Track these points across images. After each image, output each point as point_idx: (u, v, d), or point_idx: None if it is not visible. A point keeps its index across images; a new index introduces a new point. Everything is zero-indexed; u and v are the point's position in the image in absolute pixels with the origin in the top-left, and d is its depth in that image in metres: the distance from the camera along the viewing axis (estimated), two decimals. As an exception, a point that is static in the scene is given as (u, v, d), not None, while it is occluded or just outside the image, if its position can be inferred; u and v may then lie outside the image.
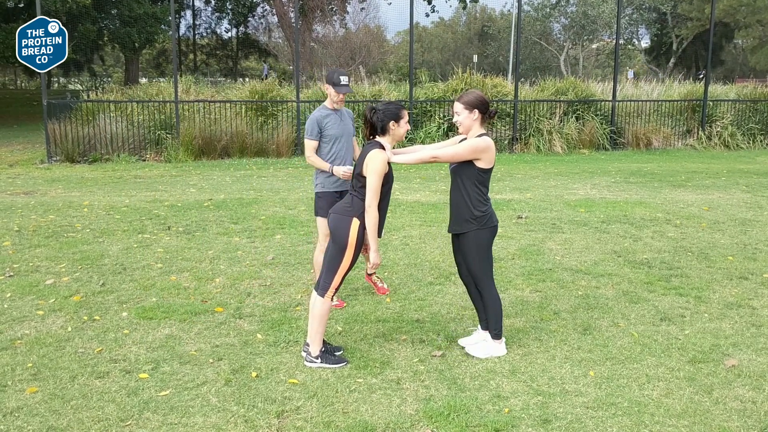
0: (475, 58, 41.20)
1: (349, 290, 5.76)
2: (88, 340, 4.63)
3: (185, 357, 4.36)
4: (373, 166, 4.05)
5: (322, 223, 5.24)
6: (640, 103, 16.74)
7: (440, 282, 5.97)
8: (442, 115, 15.28)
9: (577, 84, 16.77)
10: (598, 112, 16.20)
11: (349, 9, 39.71)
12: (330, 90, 5.23)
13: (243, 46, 51.08)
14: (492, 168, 4.32)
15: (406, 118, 4.24)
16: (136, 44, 28.77)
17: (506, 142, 15.65)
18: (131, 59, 34.71)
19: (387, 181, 4.16)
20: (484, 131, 4.32)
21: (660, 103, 16.90)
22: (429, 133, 14.98)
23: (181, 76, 20.62)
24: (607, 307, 5.35)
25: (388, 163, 4.15)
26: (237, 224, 8.21)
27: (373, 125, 4.18)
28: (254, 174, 12.61)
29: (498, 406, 3.75)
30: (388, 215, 6.71)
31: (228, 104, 14.90)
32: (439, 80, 16.24)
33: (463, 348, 4.52)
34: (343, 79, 5.18)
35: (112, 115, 14.52)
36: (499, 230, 7.83)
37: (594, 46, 48.60)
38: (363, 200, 4.12)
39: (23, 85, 59.09)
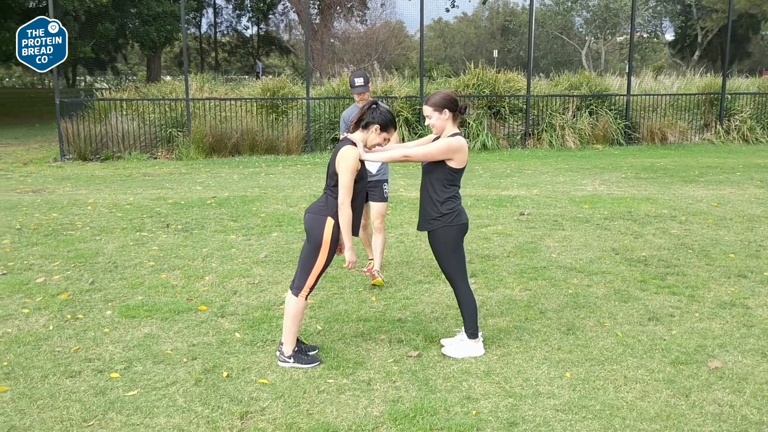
0: (496, 53, 40.76)
1: (336, 288, 5.72)
2: (67, 338, 4.65)
3: (160, 356, 4.35)
4: (345, 164, 4.00)
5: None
6: (656, 96, 16.45)
7: (429, 281, 5.90)
8: (453, 111, 15.13)
9: (591, 78, 16.53)
10: (613, 107, 15.96)
11: (369, 5, 39.67)
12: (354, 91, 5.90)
13: (263, 44, 51.28)
14: (464, 168, 4.25)
15: (390, 135, 4.20)
16: (156, 43, 28.95)
17: (518, 137, 15.49)
18: (152, 57, 35.00)
19: (360, 178, 4.11)
20: (457, 130, 4.25)
21: (677, 96, 16.60)
22: (440, 129, 14.85)
23: (197, 73, 20.74)
24: (595, 306, 5.24)
25: (361, 161, 4.09)
26: (236, 222, 8.21)
27: (362, 118, 4.13)
28: (262, 171, 12.62)
29: (466, 408, 3.68)
30: (388, 212, 6.63)
31: (239, 102, 14.94)
32: (461, 74, 16.10)
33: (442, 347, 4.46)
34: (358, 81, 5.85)
35: (124, 113, 14.63)
36: (499, 227, 7.77)
37: (619, 39, 47.98)
38: (336, 199, 4.07)
39: (50, 84, 60.09)
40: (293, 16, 44.94)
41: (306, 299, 4.18)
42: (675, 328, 4.77)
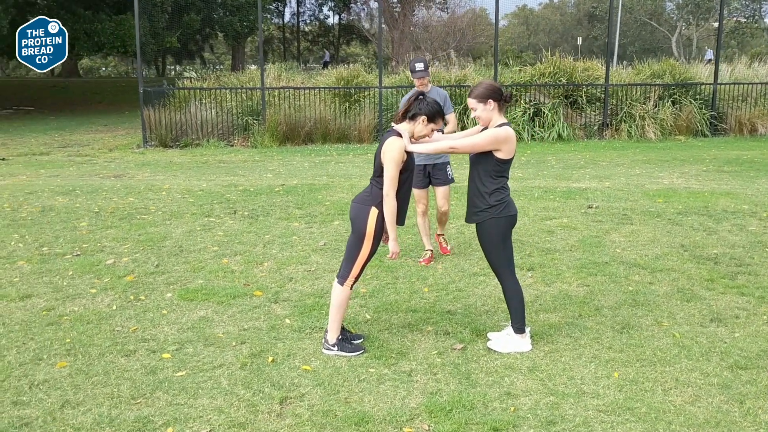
0: (579, 40, 39.77)
1: (390, 278, 5.73)
2: (127, 318, 4.85)
3: (211, 339, 4.48)
4: (390, 155, 3.99)
5: (414, 193, 5.84)
6: (746, 85, 15.61)
7: (485, 273, 5.82)
8: (528, 100, 14.86)
9: (675, 66, 15.84)
10: (698, 96, 15.26)
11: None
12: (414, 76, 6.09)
13: (345, 33, 51.69)
14: (512, 158, 4.16)
15: (438, 125, 4.15)
16: (239, 33, 29.66)
17: (595, 127, 15.04)
18: (236, 47, 35.90)
19: (406, 168, 4.09)
20: (504, 120, 4.16)
21: (769, 86, 15.71)
22: (514, 118, 14.62)
23: (277, 62, 21.12)
24: (655, 304, 5.05)
25: (407, 152, 4.07)
26: (301, 209, 8.34)
27: (409, 109, 4.11)
28: (333, 160, 12.76)
29: (506, 404, 3.62)
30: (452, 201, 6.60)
31: (313, 90, 15.13)
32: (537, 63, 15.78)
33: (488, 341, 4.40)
34: (418, 66, 6.00)
35: (203, 101, 15.07)
36: (564, 220, 7.60)
37: (714, 24, 45.78)
38: (381, 189, 4.07)
39: (144, 73, 62.64)
40: (374, 4, 45.18)
41: (351, 288, 4.21)
42: (738, 331, 4.54)
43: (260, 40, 15.47)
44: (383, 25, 39.33)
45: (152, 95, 14.90)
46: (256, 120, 14.75)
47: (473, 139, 4.11)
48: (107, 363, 4.13)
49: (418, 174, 5.96)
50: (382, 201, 4.07)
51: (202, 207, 8.49)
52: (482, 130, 4.23)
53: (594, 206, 8.32)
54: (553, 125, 14.64)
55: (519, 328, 4.28)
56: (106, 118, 22.05)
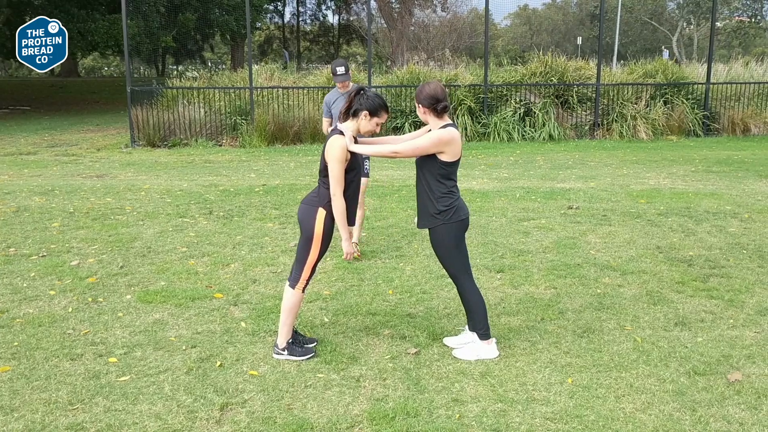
0: (579, 40, 39.59)
1: (355, 280, 5.63)
2: (81, 321, 4.76)
3: (162, 343, 4.39)
4: (332, 154, 3.90)
5: None
6: (740, 85, 15.47)
7: (453, 275, 5.71)
8: (518, 99, 14.75)
9: (667, 66, 15.70)
10: (690, 96, 15.12)
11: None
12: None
13: (344, 33, 51.61)
14: (458, 161, 4.05)
15: (382, 119, 4.04)
16: (236, 32, 29.58)
17: (587, 127, 14.92)
18: (235, 47, 35.84)
19: (352, 167, 3.99)
20: (449, 121, 4.05)
21: (763, 85, 15.56)
22: (504, 118, 14.52)
23: (270, 62, 21.03)
24: (621, 307, 4.94)
25: (353, 152, 3.97)
26: (278, 209, 8.25)
27: (351, 105, 4.02)
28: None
29: (451, 411, 3.52)
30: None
31: (302, 90, 15.04)
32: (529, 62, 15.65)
33: (445, 346, 4.30)
34: (339, 69, 6.18)
35: (194, 101, 14.98)
36: (542, 221, 7.49)
37: (719, 24, 45.56)
38: (328, 189, 3.98)
39: (146, 72, 62.54)
40: (373, 4, 45.07)
41: (303, 292, 4.11)
42: (702, 335, 4.43)
43: (249, 39, 15.38)
44: (383, 24, 39.31)
45: (140, 95, 14.81)
46: (244, 120, 14.67)
47: (416, 143, 4.00)
48: (51, 367, 4.04)
49: None
50: (329, 201, 3.97)
51: (178, 207, 8.40)
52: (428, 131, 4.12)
53: (575, 207, 8.21)
54: (543, 125, 14.53)
55: (483, 334, 4.16)
56: (100, 117, 21.99)
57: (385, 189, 9.51)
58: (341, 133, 3.95)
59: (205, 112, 14.79)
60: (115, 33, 21.36)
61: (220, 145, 14.47)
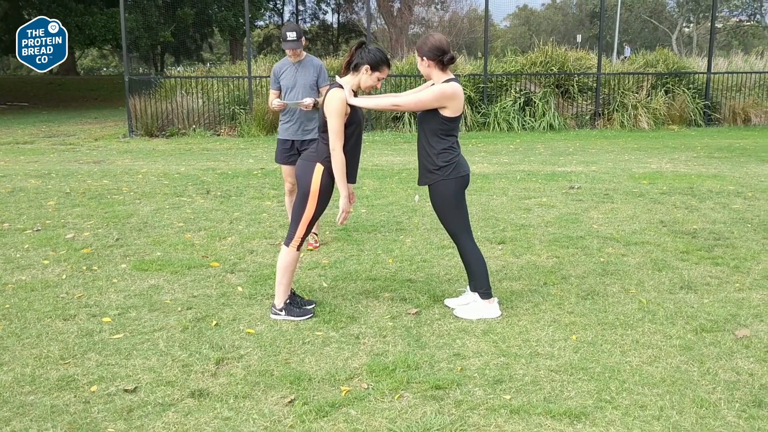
0: (579, 38, 39.48)
1: (354, 250, 5.54)
2: (74, 287, 4.67)
3: (157, 305, 4.30)
4: (331, 107, 3.81)
5: (282, 170, 5.72)
6: (741, 75, 15.40)
7: (453, 246, 5.61)
8: (518, 89, 14.66)
9: (668, 56, 15.63)
10: (691, 86, 15.04)
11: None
12: (285, 45, 5.47)
13: (343, 31, 51.60)
14: (459, 117, 3.96)
15: (383, 74, 3.95)
16: (235, 28, 29.51)
17: (587, 117, 14.83)
18: (233, 43, 35.78)
19: (352, 122, 3.90)
20: (450, 76, 3.96)
21: (764, 75, 15.49)
22: (504, 107, 14.43)
23: (270, 56, 20.94)
24: (625, 273, 4.85)
25: (352, 105, 3.88)
26: (276, 189, 8.16)
27: (352, 60, 3.93)
28: (318, 147, 12.56)
29: (453, 364, 3.43)
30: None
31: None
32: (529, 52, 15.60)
33: (447, 307, 4.21)
34: (290, 35, 5.38)
35: (192, 91, 14.90)
36: (543, 200, 7.40)
37: (719, 25, 45.50)
38: (327, 145, 3.89)
39: (144, 72, 62.49)
40: (373, 3, 45.06)
41: (298, 250, 4.02)
42: (708, 297, 4.34)
43: (247, 28, 15.30)
44: (382, 24, 39.32)
45: (138, 84, 14.73)
46: (243, 109, 14.58)
47: (418, 96, 3.92)
48: (43, 326, 3.95)
49: (284, 149, 5.58)
50: (327, 157, 3.88)
51: (175, 188, 8.31)
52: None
53: (576, 187, 8.12)
54: (543, 115, 14.44)
55: (485, 293, 4.07)
56: (98, 112, 21.89)
57: (385, 172, 9.43)
58: (340, 86, 3.86)
59: (203, 102, 14.71)
60: (113, 27, 21.28)
61: (218, 135, 14.38)
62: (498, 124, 14.33)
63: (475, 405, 3.02)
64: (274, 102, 5.50)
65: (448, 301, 4.29)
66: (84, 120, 19.09)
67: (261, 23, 40.17)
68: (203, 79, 15.29)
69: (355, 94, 3.96)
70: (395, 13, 34.48)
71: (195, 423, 2.90)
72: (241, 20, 29.10)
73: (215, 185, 8.48)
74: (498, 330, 3.86)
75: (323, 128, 3.91)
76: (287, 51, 5.47)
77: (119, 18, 20.53)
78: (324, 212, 4.11)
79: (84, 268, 5.11)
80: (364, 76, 3.90)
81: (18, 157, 11.45)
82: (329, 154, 3.87)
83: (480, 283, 4.09)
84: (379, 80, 3.94)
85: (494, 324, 3.95)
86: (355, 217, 6.70)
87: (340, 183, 3.91)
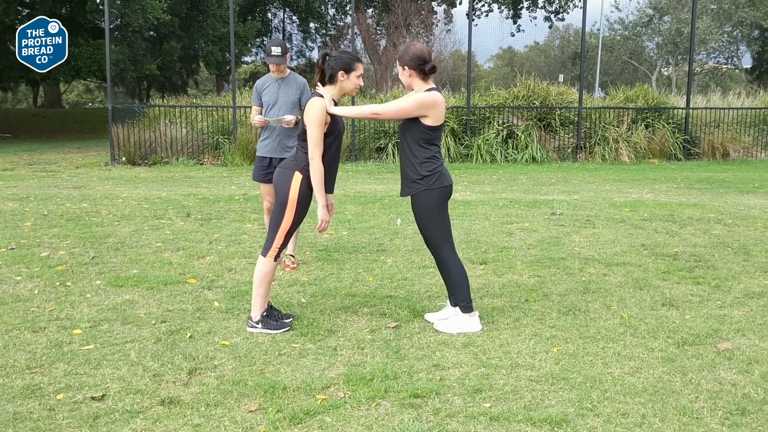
0: (561, 77, 40.09)
1: (335, 269, 5.47)
2: (46, 301, 4.55)
3: (130, 318, 4.20)
4: (311, 115, 3.78)
5: (260, 187, 5.68)
6: (719, 111, 15.66)
7: (435, 266, 5.55)
8: (501, 122, 14.79)
9: (648, 92, 15.87)
10: (671, 121, 15.25)
11: (435, 31, 39.71)
12: (269, 60, 5.39)
13: (329, 68, 51.96)
14: (441, 126, 3.95)
15: (359, 71, 3.93)
16: (221, 62, 29.68)
17: (569, 150, 14.96)
18: (218, 77, 35.96)
19: (332, 131, 3.88)
20: (431, 86, 3.96)
21: (741, 111, 15.76)
22: (487, 139, 14.53)
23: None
24: (607, 291, 4.82)
25: (332, 115, 3.86)
26: (257, 213, 8.09)
27: (323, 72, 3.91)
28: (302, 176, 12.52)
29: (432, 375, 3.36)
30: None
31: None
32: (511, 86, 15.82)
33: (427, 322, 4.14)
34: (275, 50, 5.32)
35: (176, 120, 14.88)
36: (525, 224, 7.39)
37: (697, 69, 46.42)
38: (306, 153, 3.86)
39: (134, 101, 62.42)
40: (359, 44, 45.64)
41: (275, 260, 3.95)
42: (690, 314, 4.31)
43: (232, 56, 15.37)
44: (368, 63, 39.77)
45: (122, 112, 14.70)
46: (227, 139, 14.56)
47: (397, 104, 3.91)
48: (11, 338, 3.83)
49: (262, 167, 5.52)
50: (306, 165, 3.85)
51: (155, 211, 8.22)
52: (414, 95, 4.03)
53: (558, 213, 8.13)
54: (526, 147, 14.54)
55: (465, 307, 4.01)
56: (82, 142, 21.77)
57: (368, 198, 9.40)
58: (321, 96, 3.84)
59: (187, 132, 14.67)
60: (98, 58, 21.24)
61: (202, 164, 14.32)
62: (481, 155, 14.41)
63: (454, 413, 2.94)
64: (255, 118, 5.47)
65: (428, 316, 4.22)
66: (66, 149, 18.96)
67: (247, 59, 40.44)
68: (187, 108, 15.28)
69: (336, 104, 3.94)
70: (380, 51, 34.94)
71: (164, 429, 2.79)
72: (227, 55, 29.30)
73: (196, 209, 8.40)
74: (478, 343, 3.80)
75: (303, 137, 3.88)
76: (271, 66, 5.40)
77: (105, 49, 20.67)
78: (302, 224, 4.06)
79: (57, 284, 4.99)
80: (345, 83, 3.88)
81: (-4, 183, 11.30)
82: (308, 162, 3.83)
83: (461, 296, 4.04)
84: (358, 78, 3.92)
85: (474, 337, 3.88)
86: (336, 238, 6.65)
87: (318, 192, 3.87)
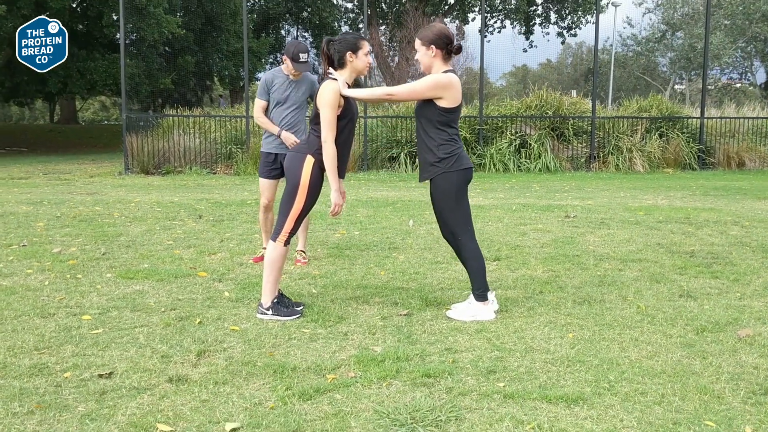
0: (573, 93, 40.10)
1: (346, 264, 5.42)
2: (56, 291, 4.53)
3: (140, 306, 4.16)
4: (324, 98, 3.76)
5: (260, 183, 5.58)
6: (734, 121, 15.54)
7: (448, 261, 5.52)
8: (513, 131, 14.75)
9: (661, 102, 15.79)
10: (685, 130, 15.15)
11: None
12: (288, 63, 5.20)
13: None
14: (458, 107, 3.90)
15: (366, 49, 3.90)
16: (235, 77, 29.89)
17: (583, 160, 14.88)
18: (233, 93, 36.21)
19: (345, 114, 3.85)
20: (449, 68, 3.92)
21: (757, 121, 15.62)
22: (500, 149, 14.48)
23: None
24: (623, 284, 4.73)
25: (346, 97, 3.83)
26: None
27: (331, 58, 3.88)
28: (314, 184, 12.51)
29: (444, 357, 3.29)
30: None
31: (298, 120, 15.01)
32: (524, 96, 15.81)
33: (439, 310, 4.06)
34: (303, 56, 5.15)
35: (189, 130, 14.95)
36: (538, 225, 7.31)
37: (710, 87, 46.25)
38: (319, 137, 3.82)
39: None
40: (372, 59, 45.86)
41: (285, 245, 3.91)
42: (708, 304, 4.22)
43: (245, 68, 15.45)
44: (380, 78, 39.93)
45: (136, 123, 14.79)
46: (240, 148, 14.60)
47: (412, 85, 3.87)
48: (20, 322, 3.81)
49: (267, 162, 5.44)
50: (318, 149, 3.81)
51: (168, 214, 8.21)
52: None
53: (572, 216, 8.05)
54: (539, 156, 14.48)
55: (480, 295, 3.94)
56: (96, 155, 21.94)
57: (380, 203, 9.36)
58: (334, 79, 3.82)
59: (200, 141, 14.73)
60: (114, 72, 21.47)
61: (214, 173, 14.36)
62: (494, 165, 14.35)
63: (467, 391, 2.87)
64: (291, 138, 5.28)
65: (453, 307, 4.12)
66: (81, 161, 19.11)
67: (261, 74, 40.62)
68: (201, 118, 15.36)
69: (349, 87, 3.90)
70: (393, 67, 35.09)
71: (170, 404, 2.74)
72: (241, 70, 29.51)
73: (208, 211, 8.40)
74: (492, 329, 3.72)
75: (316, 120, 3.85)
76: (293, 69, 5.21)
77: (120, 63, 20.89)
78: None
79: (68, 276, 4.97)
80: (355, 62, 3.84)
81: (11, 189, 11.37)
82: (320, 146, 3.80)
83: (477, 284, 3.97)
84: (367, 56, 3.88)
85: (488, 324, 3.81)
86: (348, 237, 6.60)
87: (331, 175, 3.83)
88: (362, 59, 3.87)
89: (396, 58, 36.27)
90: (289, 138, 5.27)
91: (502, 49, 62.56)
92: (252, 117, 14.49)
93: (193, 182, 12.85)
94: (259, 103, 5.39)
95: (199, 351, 3.35)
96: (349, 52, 3.83)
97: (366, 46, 3.89)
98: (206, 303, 4.24)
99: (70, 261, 5.46)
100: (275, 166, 5.42)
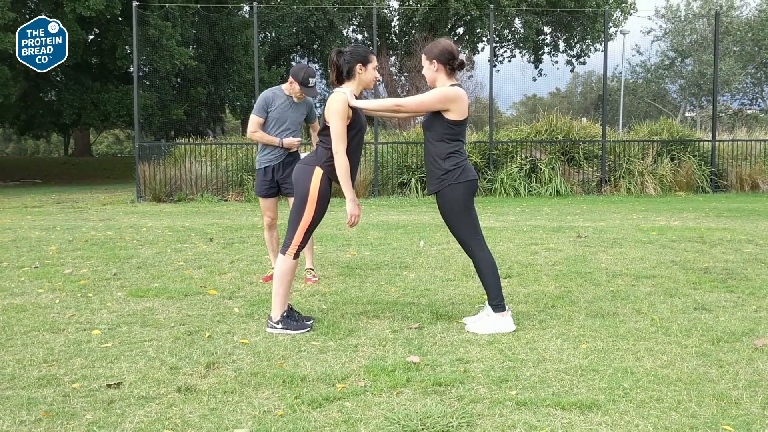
0: (584, 120, 40.25)
1: (357, 281, 5.39)
2: (67, 308, 4.53)
3: (149, 322, 4.15)
4: (334, 108, 3.77)
5: (261, 203, 5.57)
6: (746, 144, 15.48)
7: (459, 279, 5.49)
8: (523, 156, 14.75)
9: (672, 125, 15.77)
10: (696, 153, 15.10)
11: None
12: (295, 86, 5.16)
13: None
14: (465, 121, 3.91)
15: (374, 63, 3.94)
16: (246, 108, 30.15)
17: (594, 183, 14.84)
18: (244, 124, 36.53)
19: (354, 125, 3.86)
20: (455, 83, 3.94)
21: (768, 143, 15.57)
22: (510, 173, 14.48)
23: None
24: (636, 298, 4.68)
25: (354, 109, 3.85)
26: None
27: (340, 69, 3.91)
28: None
29: (456, 367, 3.25)
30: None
31: (309, 146, 15.11)
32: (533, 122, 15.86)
33: (451, 323, 4.03)
34: (311, 81, 5.13)
35: (201, 158, 15.06)
36: (550, 245, 7.27)
37: (722, 114, 46.25)
38: (328, 149, 3.84)
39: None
40: (382, 89, 46.27)
41: (294, 258, 3.90)
42: (724, 316, 4.16)
43: (257, 92, 15.57)
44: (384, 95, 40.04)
45: (149, 151, 14.93)
46: (251, 175, 14.67)
47: (420, 97, 3.89)
48: (30, 337, 3.80)
49: (264, 181, 5.39)
50: (327, 161, 3.82)
51: (179, 237, 8.24)
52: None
53: (584, 236, 8.00)
54: (550, 181, 14.45)
55: (497, 306, 3.90)
56: (109, 186, 22.13)
57: (391, 226, 9.35)
58: (342, 92, 3.84)
59: (212, 169, 14.83)
60: (127, 103, 21.75)
61: (226, 200, 14.42)
62: (504, 189, 14.34)
63: (478, 399, 2.83)
64: (294, 142, 5.31)
65: (466, 319, 4.10)
66: (94, 191, 19.28)
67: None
68: (212, 146, 15.49)
69: (357, 97, 3.92)
70: (403, 95, 35.37)
71: (179, 412, 2.72)
72: (253, 101, 29.81)
73: (219, 235, 8.41)
74: (504, 341, 3.68)
75: (324, 132, 3.87)
76: (297, 92, 5.21)
77: (133, 94, 21.16)
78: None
79: (79, 295, 4.98)
80: (363, 74, 3.87)
81: (25, 217, 11.46)
82: (329, 158, 3.81)
83: (493, 294, 3.93)
84: (375, 69, 3.91)
85: (500, 336, 3.77)
86: (359, 257, 6.58)
87: (345, 186, 3.83)
88: (371, 72, 3.89)
89: (407, 87, 36.58)
90: (293, 141, 5.28)
91: (511, 79, 62.89)
92: (263, 144, 14.61)
93: (205, 209, 12.91)
94: (255, 119, 5.30)
95: (208, 363, 3.33)
96: (359, 64, 3.86)
97: (375, 61, 3.92)
98: (216, 318, 4.22)
99: (81, 281, 5.47)
100: (272, 184, 5.43)
